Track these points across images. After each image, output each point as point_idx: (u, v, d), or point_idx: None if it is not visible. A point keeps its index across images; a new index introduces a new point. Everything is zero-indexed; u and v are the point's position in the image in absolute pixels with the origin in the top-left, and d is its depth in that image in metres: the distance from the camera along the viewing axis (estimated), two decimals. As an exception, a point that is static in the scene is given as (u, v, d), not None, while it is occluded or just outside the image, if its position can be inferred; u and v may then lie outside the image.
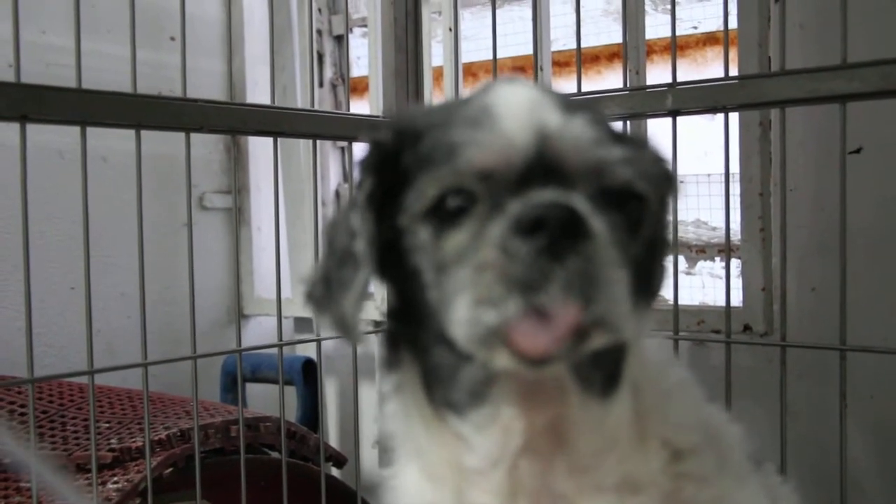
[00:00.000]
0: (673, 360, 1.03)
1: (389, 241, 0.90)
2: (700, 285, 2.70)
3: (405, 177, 0.89)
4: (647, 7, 2.54)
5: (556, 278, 0.76)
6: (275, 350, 2.00)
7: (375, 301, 2.81)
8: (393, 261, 0.91)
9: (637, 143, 0.94)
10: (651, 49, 2.61)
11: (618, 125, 0.96)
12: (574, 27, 1.94)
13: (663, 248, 0.97)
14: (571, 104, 0.88)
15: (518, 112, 0.85)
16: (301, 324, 3.26)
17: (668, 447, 0.94)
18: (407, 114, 0.96)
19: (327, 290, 0.92)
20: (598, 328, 0.77)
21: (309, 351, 2.85)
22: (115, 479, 1.89)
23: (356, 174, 0.95)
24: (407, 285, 0.91)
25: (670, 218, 0.97)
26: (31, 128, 1.51)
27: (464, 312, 0.79)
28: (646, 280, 0.93)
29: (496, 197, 0.83)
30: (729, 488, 0.96)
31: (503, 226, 0.79)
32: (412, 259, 0.88)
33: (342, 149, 3.44)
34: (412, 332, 0.93)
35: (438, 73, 2.88)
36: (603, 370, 0.89)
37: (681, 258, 2.67)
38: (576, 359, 0.81)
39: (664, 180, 0.95)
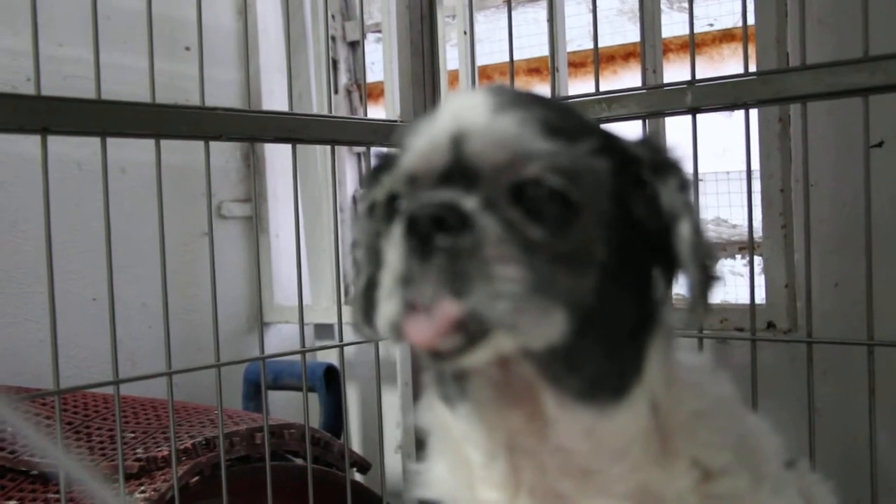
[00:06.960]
0: (713, 376, 1.00)
1: None
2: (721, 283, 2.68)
3: None
4: (663, 6, 2.53)
5: (427, 274, 0.78)
6: (296, 357, 2.00)
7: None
8: None
9: (588, 135, 0.89)
10: (666, 48, 2.60)
11: (590, 121, 0.95)
12: (589, 27, 1.93)
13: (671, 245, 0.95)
14: (517, 105, 0.87)
15: (446, 117, 0.88)
16: (321, 330, 3.26)
17: (699, 467, 0.93)
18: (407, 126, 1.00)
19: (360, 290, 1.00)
20: (485, 325, 0.78)
21: (330, 357, 2.85)
22: (142, 488, 1.89)
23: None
24: None
25: (697, 216, 0.94)
26: (49, 139, 1.52)
27: (379, 307, 0.84)
28: (644, 283, 0.95)
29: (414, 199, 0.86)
30: (763, 503, 0.95)
31: (399, 226, 0.82)
32: None
33: (358, 154, 3.44)
34: None
35: (454, 77, 2.88)
36: (583, 373, 0.88)
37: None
38: (483, 356, 0.81)
39: (624, 170, 0.90)
